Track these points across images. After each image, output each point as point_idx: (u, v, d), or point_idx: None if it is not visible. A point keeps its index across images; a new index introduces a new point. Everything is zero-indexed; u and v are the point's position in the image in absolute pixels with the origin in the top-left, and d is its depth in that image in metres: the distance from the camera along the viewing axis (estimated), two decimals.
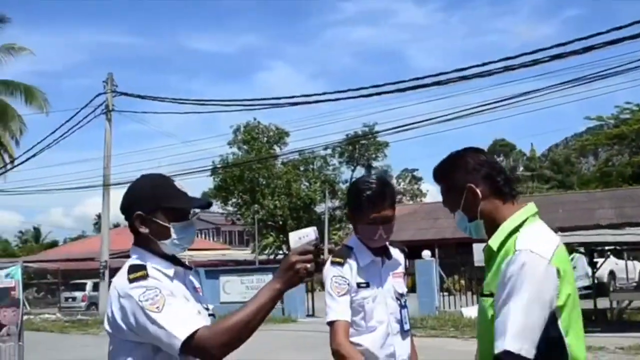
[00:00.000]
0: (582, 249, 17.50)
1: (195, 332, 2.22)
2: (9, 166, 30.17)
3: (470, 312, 17.21)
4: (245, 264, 31.98)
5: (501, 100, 17.32)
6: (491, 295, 2.19)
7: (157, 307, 2.26)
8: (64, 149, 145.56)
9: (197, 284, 2.67)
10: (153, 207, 2.47)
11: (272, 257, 39.80)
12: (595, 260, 18.30)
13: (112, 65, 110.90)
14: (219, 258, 38.80)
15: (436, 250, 24.97)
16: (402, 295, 3.36)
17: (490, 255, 2.27)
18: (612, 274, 23.77)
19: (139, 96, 27.26)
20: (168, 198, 2.48)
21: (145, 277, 2.34)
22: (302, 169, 43.49)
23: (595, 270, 17.76)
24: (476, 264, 21.29)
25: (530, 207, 2.33)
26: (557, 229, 19.14)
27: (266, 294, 2.26)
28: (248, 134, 42.24)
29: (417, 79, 16.29)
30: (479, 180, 2.32)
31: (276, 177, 41.87)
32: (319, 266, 2.40)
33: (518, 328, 2.04)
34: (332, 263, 3.28)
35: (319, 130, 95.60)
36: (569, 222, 25.29)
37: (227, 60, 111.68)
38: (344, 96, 19.19)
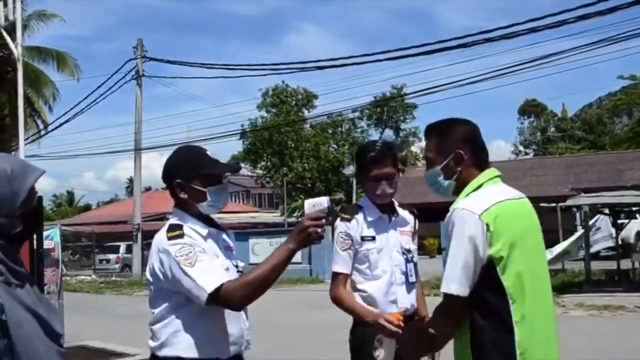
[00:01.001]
0: (606, 210, 17.55)
1: (221, 286, 2.58)
2: (42, 132, 30.81)
3: None
4: (274, 226, 32.47)
5: (531, 61, 17.32)
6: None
7: (190, 262, 2.61)
8: (95, 114, 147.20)
9: (230, 244, 3.01)
10: (190, 174, 2.81)
11: (300, 219, 40.25)
12: (620, 221, 18.33)
13: (143, 29, 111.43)
14: (249, 220, 39.39)
15: None
16: (409, 250, 3.71)
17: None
18: (639, 234, 23.77)
19: (168, 61, 27.74)
20: (203, 166, 2.82)
21: (181, 236, 2.70)
22: (330, 131, 43.72)
23: (618, 231, 17.82)
24: None
25: (489, 172, 2.66)
26: (582, 190, 19.32)
27: (281, 254, 2.64)
28: (277, 97, 42.51)
29: (443, 41, 16.36)
30: (467, 150, 2.65)
31: (305, 140, 42.17)
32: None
33: (453, 273, 2.44)
34: (341, 219, 3.68)
35: (347, 93, 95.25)
36: (597, 183, 25.33)
37: (257, 23, 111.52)
38: (370, 59, 19.29)
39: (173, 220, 2.82)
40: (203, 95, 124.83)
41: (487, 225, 2.44)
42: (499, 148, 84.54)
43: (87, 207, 66.00)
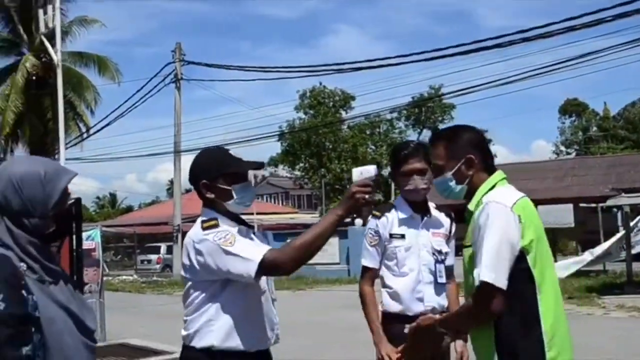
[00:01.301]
0: None
1: (267, 253, 2.67)
2: (85, 135, 31.43)
3: None
4: None
5: (569, 60, 17.12)
6: (470, 245, 2.60)
7: (230, 242, 2.71)
8: (136, 117, 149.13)
9: (258, 242, 3.05)
10: (215, 174, 2.90)
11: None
12: None
13: (181, 33, 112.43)
14: (288, 221, 39.54)
15: None
16: (440, 252, 3.78)
17: (470, 215, 2.67)
18: None
19: (206, 64, 28.03)
20: (226, 165, 2.91)
21: (217, 225, 2.80)
22: (368, 132, 43.69)
23: None
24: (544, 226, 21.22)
25: (498, 174, 2.73)
26: (624, 190, 18.99)
27: (329, 219, 2.73)
28: (314, 98, 42.66)
29: (479, 41, 16.27)
30: (477, 154, 2.71)
31: (342, 141, 42.22)
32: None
33: (491, 262, 2.43)
34: (372, 216, 3.84)
35: (385, 94, 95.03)
36: (639, 183, 24.82)
37: (294, 25, 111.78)
38: (406, 60, 19.27)
39: (204, 217, 2.90)
40: (241, 97, 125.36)
41: (519, 217, 2.51)
42: (539, 148, 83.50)
43: (129, 209, 66.93)
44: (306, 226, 35.41)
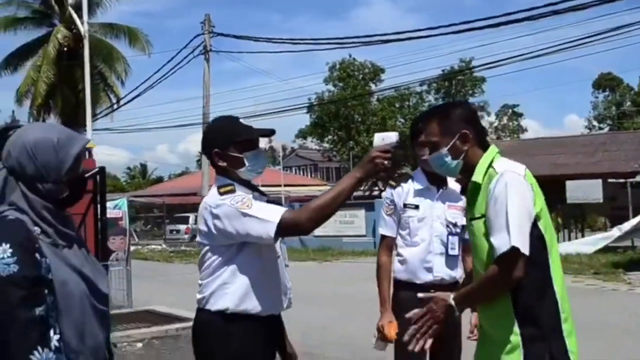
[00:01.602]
0: None
1: (285, 214, 2.73)
2: (115, 106, 31.76)
3: (566, 248, 17.03)
4: None
5: (601, 33, 16.82)
6: (482, 216, 2.64)
7: (247, 206, 2.78)
8: (165, 88, 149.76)
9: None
10: (226, 143, 2.95)
11: (367, 193, 40.36)
12: None
13: (211, 4, 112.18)
14: (316, 194, 39.50)
15: None
16: (455, 224, 3.84)
17: (475, 188, 2.71)
18: None
19: (234, 36, 28.11)
20: (237, 133, 2.96)
21: (233, 191, 2.87)
22: (397, 105, 43.39)
23: None
24: (569, 201, 21.04)
25: (493, 149, 2.78)
26: None
27: (347, 181, 2.77)
28: (343, 71, 42.41)
29: (509, 14, 16.05)
30: (471, 129, 2.76)
31: (371, 113, 42.03)
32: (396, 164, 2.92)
33: (518, 229, 2.48)
34: (389, 186, 3.97)
35: (414, 66, 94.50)
36: None
37: None
38: (434, 32, 19.11)
39: (219, 184, 2.96)
40: (269, 69, 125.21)
41: (531, 185, 2.61)
42: (572, 122, 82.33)
43: (160, 180, 67.61)
44: None
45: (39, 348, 1.95)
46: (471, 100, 46.77)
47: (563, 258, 16.66)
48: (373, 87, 42.72)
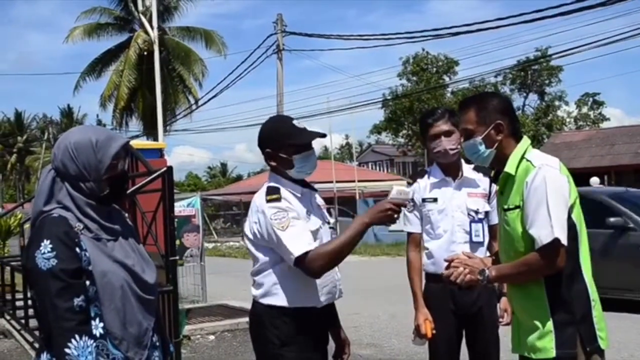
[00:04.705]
0: None
1: (303, 255, 2.87)
2: (193, 107, 32.62)
3: None
4: None
5: None
6: (516, 207, 2.72)
7: (282, 227, 2.92)
8: (240, 88, 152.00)
9: (321, 203, 3.30)
10: (278, 144, 3.09)
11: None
12: None
13: (286, 3, 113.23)
14: (389, 189, 39.32)
15: (612, 177, 23.96)
16: (476, 212, 3.90)
17: (507, 179, 2.81)
18: None
19: (306, 34, 28.34)
20: (289, 136, 3.08)
21: (279, 199, 2.99)
22: None
23: None
24: None
25: (526, 140, 2.87)
26: None
27: (357, 228, 2.91)
28: (417, 65, 42.08)
29: (581, 0, 15.59)
30: (506, 120, 2.83)
31: (446, 106, 41.53)
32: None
33: (558, 222, 2.59)
34: (407, 184, 3.93)
35: (489, 57, 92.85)
36: None
37: None
38: (504, 23, 18.78)
39: (271, 183, 3.11)
40: (343, 66, 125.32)
41: (567, 177, 2.71)
42: None
43: (239, 178, 68.64)
44: None
45: (76, 336, 2.13)
46: (547, 90, 45.56)
47: None
48: (447, 80, 42.21)
